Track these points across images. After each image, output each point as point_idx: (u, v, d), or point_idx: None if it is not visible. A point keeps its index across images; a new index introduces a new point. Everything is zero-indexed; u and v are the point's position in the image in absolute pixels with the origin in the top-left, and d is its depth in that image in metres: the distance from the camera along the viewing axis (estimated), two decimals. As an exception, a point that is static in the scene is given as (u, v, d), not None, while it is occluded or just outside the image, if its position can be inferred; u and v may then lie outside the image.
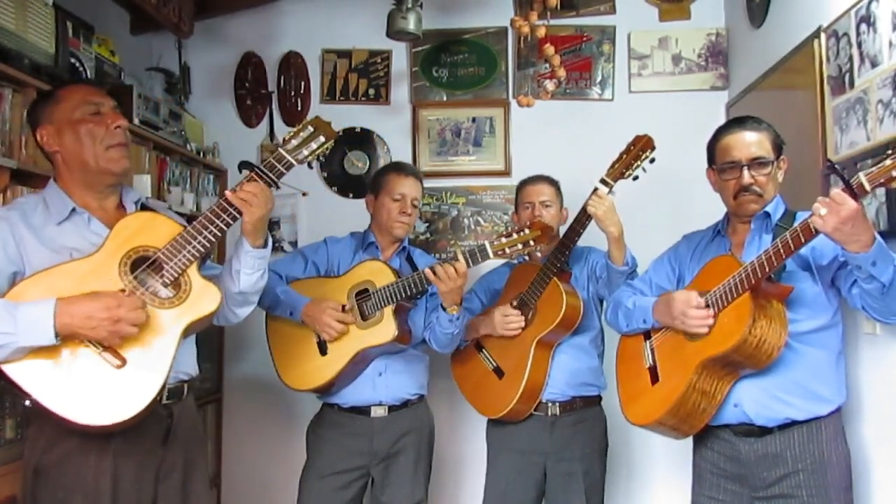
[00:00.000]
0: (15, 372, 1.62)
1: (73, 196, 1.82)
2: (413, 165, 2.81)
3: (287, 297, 2.41)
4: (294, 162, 1.85)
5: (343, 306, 2.37)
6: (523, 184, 2.68)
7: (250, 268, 1.89)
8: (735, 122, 2.04)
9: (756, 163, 1.95)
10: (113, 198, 1.90)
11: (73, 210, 1.80)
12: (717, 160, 2.03)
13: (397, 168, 2.64)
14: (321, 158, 1.95)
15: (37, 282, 1.67)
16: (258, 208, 1.81)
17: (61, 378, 1.63)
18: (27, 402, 1.63)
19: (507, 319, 2.45)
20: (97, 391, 1.65)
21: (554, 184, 2.64)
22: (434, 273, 2.21)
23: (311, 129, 1.87)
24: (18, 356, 1.62)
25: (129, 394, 1.66)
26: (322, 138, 1.87)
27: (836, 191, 1.59)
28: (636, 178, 2.29)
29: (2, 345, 1.58)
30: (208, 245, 1.79)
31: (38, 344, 1.60)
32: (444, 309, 2.30)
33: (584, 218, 2.30)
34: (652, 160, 2.28)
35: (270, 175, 1.83)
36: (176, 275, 1.76)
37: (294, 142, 1.86)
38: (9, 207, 1.82)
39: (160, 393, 1.71)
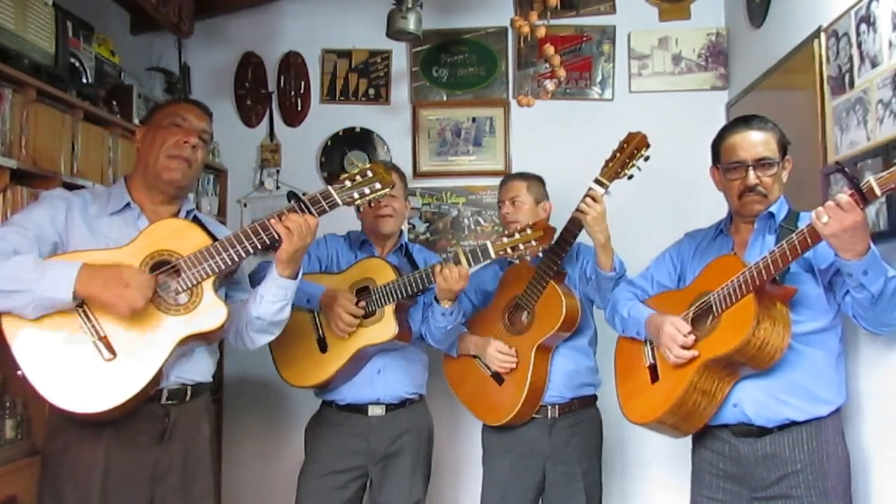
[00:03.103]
0: (13, 338, 1.68)
1: (133, 194, 1.93)
2: (389, 161, 2.75)
3: (303, 286, 2.39)
4: (339, 202, 1.85)
5: (358, 301, 2.35)
6: (500, 182, 2.69)
7: (273, 296, 1.89)
8: (741, 122, 2.02)
9: (762, 163, 1.93)
10: (170, 207, 1.96)
11: (128, 205, 1.91)
12: (723, 159, 2.01)
13: None
14: (371, 205, 1.96)
15: (62, 259, 1.74)
16: (300, 239, 1.81)
17: (51, 357, 1.69)
18: (19, 373, 1.68)
19: (502, 357, 2.42)
20: (79, 378, 1.69)
21: (528, 179, 2.61)
22: (441, 273, 2.19)
23: (369, 174, 1.86)
24: (36, 312, 1.66)
25: (108, 388, 1.70)
26: (378, 185, 1.85)
27: (846, 198, 1.58)
28: (631, 177, 2.25)
29: (21, 290, 1.64)
30: (230, 263, 1.80)
31: (55, 297, 1.65)
32: (438, 302, 2.30)
33: (578, 221, 2.26)
34: (646, 158, 2.23)
35: (312, 210, 1.83)
36: (190, 285, 1.78)
37: (347, 183, 1.85)
38: (76, 192, 1.94)
39: (141, 393, 1.73)
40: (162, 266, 1.79)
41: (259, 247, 1.82)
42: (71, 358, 1.69)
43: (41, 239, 1.76)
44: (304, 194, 1.87)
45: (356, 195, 1.85)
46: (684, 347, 1.90)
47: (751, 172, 1.93)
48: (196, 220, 1.95)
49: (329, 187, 1.85)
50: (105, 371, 1.70)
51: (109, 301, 1.68)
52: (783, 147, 1.97)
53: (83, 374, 1.69)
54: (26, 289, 1.64)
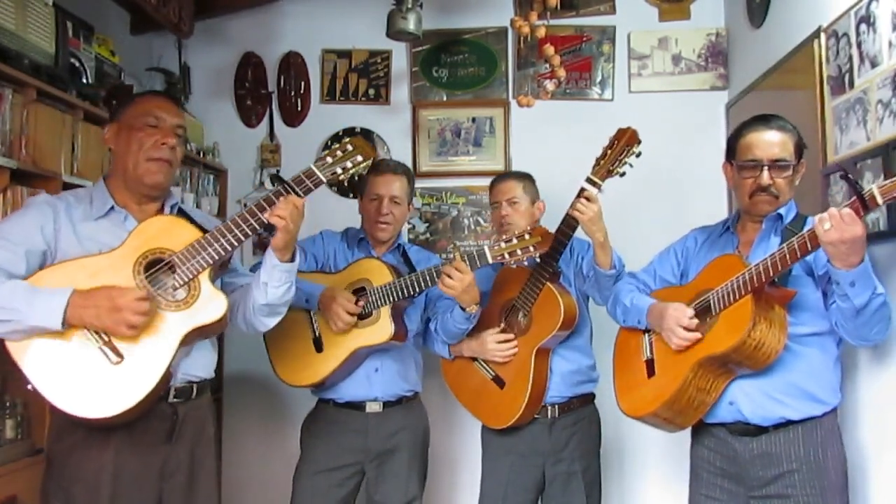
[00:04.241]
0: (20, 355, 1.68)
1: (115, 195, 1.90)
2: (395, 161, 2.72)
3: (302, 286, 2.39)
4: (323, 179, 1.84)
5: (357, 300, 2.35)
6: (492, 183, 2.65)
7: (278, 281, 1.90)
8: (760, 120, 1.99)
9: (777, 164, 1.92)
10: (154, 205, 1.95)
11: (112, 208, 1.88)
12: (738, 156, 1.99)
13: (375, 168, 2.54)
14: (356, 178, 1.94)
15: (55, 271, 1.74)
16: (294, 225, 1.82)
17: (59, 367, 1.68)
18: (29, 387, 1.68)
19: (502, 347, 2.41)
20: (90, 384, 1.69)
21: (522, 179, 2.59)
22: (443, 283, 2.18)
23: (350, 147, 1.85)
24: (23, 337, 1.67)
25: (120, 391, 1.69)
26: (359, 157, 1.85)
27: (849, 211, 1.58)
28: (623, 174, 2.21)
29: (10, 320, 1.64)
30: (223, 253, 1.80)
31: (45, 326, 1.65)
32: (463, 308, 2.29)
33: (573, 221, 2.24)
34: (638, 154, 2.19)
35: (297, 190, 1.83)
36: (186, 279, 1.78)
37: (329, 159, 1.85)
38: (58, 197, 1.90)
39: (153, 393, 1.73)
40: (156, 264, 1.78)
41: (249, 233, 1.82)
42: (79, 365, 1.69)
43: (30, 252, 1.73)
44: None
45: (339, 170, 1.85)
46: (688, 330, 1.90)
47: (765, 172, 1.92)
48: (181, 213, 1.94)
49: (312, 165, 1.85)
50: (114, 375, 1.69)
51: (107, 327, 1.68)
52: (799, 150, 1.96)
53: (93, 380, 1.69)
54: (13, 318, 1.63)
